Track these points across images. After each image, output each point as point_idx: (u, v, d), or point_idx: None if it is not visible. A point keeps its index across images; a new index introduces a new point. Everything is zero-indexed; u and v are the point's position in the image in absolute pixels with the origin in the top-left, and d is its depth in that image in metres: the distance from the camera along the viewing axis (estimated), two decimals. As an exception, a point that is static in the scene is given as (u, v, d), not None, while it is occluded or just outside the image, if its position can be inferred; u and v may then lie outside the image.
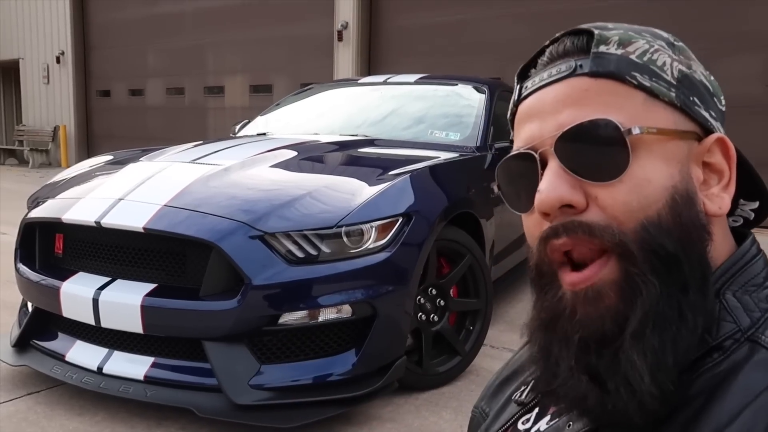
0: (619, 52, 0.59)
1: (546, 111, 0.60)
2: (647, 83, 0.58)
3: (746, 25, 6.51)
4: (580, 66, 0.59)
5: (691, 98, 0.60)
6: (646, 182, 0.55)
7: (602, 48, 0.59)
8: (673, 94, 0.59)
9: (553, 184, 0.56)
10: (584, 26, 0.62)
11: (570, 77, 0.59)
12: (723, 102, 0.64)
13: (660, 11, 6.84)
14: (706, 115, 0.61)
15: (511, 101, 0.68)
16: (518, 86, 0.66)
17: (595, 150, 0.56)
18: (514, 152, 0.63)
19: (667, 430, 0.53)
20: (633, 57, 0.59)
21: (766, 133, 6.24)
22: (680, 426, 0.52)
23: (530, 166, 0.60)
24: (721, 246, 0.60)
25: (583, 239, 0.56)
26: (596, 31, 0.61)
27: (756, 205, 0.68)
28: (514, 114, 0.66)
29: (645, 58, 0.59)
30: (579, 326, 0.56)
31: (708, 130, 0.61)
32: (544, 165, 0.59)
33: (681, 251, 0.54)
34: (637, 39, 0.60)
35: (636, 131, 0.55)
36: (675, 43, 0.62)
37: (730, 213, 0.66)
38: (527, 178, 0.60)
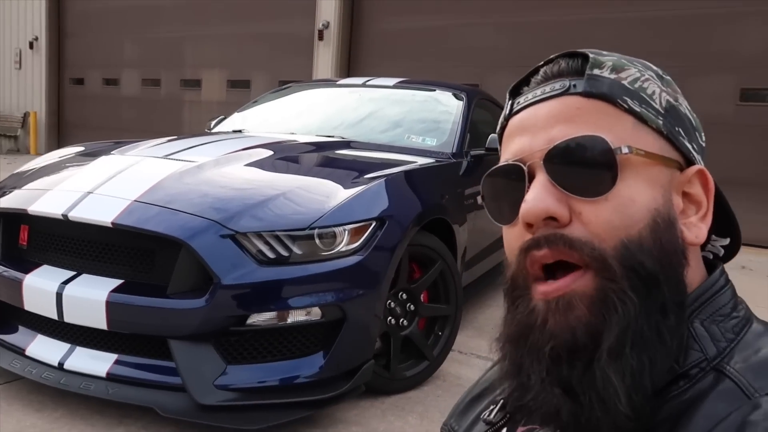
0: (612, 76, 0.61)
1: (538, 125, 0.61)
2: (637, 108, 0.60)
3: (719, 44, 6.65)
4: (574, 86, 0.61)
5: (677, 128, 0.62)
6: (631, 202, 0.56)
7: (596, 71, 0.61)
8: (661, 122, 0.60)
9: (540, 195, 0.57)
10: (579, 50, 0.64)
11: (564, 95, 0.61)
12: (704, 138, 0.66)
13: (638, 28, 6.95)
14: (690, 146, 0.63)
15: (502, 116, 0.68)
16: (510, 102, 0.67)
17: (583, 166, 0.57)
18: (501, 164, 0.64)
19: None
20: (625, 83, 0.61)
21: (734, 151, 6.37)
22: None
23: (517, 178, 0.60)
24: (693, 274, 0.61)
25: (563, 251, 0.56)
26: (591, 55, 0.62)
27: (727, 242, 0.69)
28: (503, 128, 0.67)
29: (636, 85, 0.61)
30: (549, 336, 0.56)
31: (690, 162, 0.62)
32: (531, 178, 0.59)
33: (660, 272, 0.55)
34: (629, 67, 0.62)
35: (625, 150, 0.57)
36: (663, 76, 0.65)
37: (702, 247, 0.66)
38: (513, 190, 0.61)
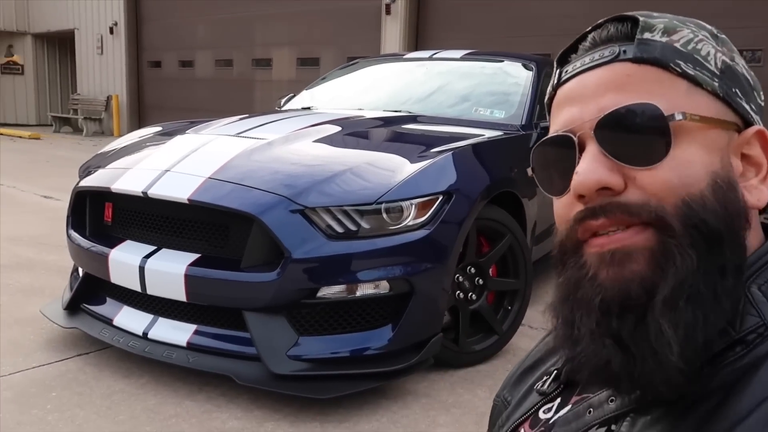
0: (664, 39, 0.59)
1: (587, 95, 0.59)
2: (691, 72, 0.58)
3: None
4: (624, 52, 0.59)
5: (734, 90, 0.59)
6: (688, 163, 0.55)
7: (647, 35, 0.59)
8: (716, 84, 0.58)
9: (591, 166, 0.56)
10: (629, 14, 0.61)
11: (613, 62, 0.59)
12: (762, 97, 0.63)
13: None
14: (747, 107, 0.60)
15: (550, 86, 0.67)
16: (557, 71, 0.65)
17: (635, 135, 0.56)
18: (551, 135, 0.63)
19: (686, 423, 0.52)
20: (678, 45, 0.59)
21: None
22: (699, 418, 0.52)
23: (568, 149, 0.59)
24: (752, 238, 0.59)
25: (622, 218, 0.55)
26: (641, 18, 0.60)
27: None
28: (552, 98, 0.66)
29: (689, 47, 0.59)
30: (600, 288, 0.55)
31: (748, 123, 0.60)
32: (582, 149, 0.58)
33: (725, 231, 0.54)
34: (681, 28, 0.60)
35: (678, 117, 0.55)
36: (718, 35, 0.62)
37: (763, 210, 0.64)
38: (563, 161, 0.60)
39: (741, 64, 0.62)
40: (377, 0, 9.68)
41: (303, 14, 10.95)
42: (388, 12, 9.52)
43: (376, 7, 9.70)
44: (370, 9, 9.81)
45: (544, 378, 0.72)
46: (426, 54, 4.46)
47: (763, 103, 0.63)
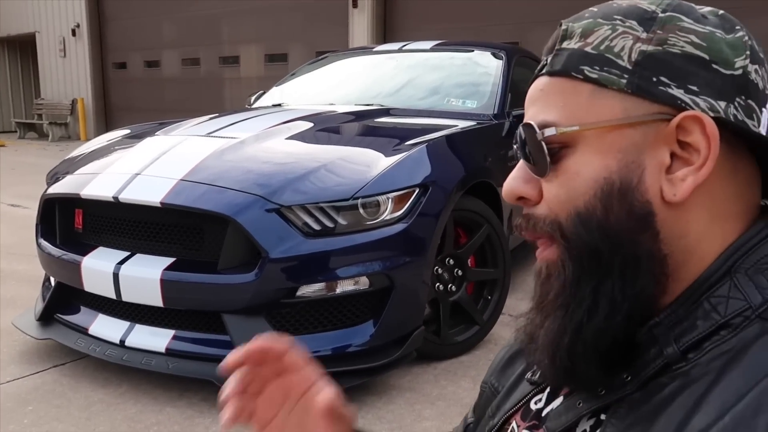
0: (577, 45, 0.58)
1: (526, 107, 0.64)
2: (594, 75, 0.57)
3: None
4: (545, 65, 0.62)
5: (655, 79, 0.55)
6: (575, 175, 0.57)
7: (564, 44, 0.60)
8: (624, 81, 0.56)
9: (512, 176, 0.62)
10: (566, 19, 0.63)
11: (538, 77, 0.62)
12: (738, 64, 0.57)
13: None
14: (678, 92, 0.55)
15: None
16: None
17: (531, 148, 0.60)
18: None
19: (675, 409, 0.52)
20: (588, 48, 0.58)
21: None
22: (688, 405, 0.51)
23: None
24: (707, 230, 0.57)
25: (533, 230, 0.61)
26: (564, 26, 0.61)
27: None
28: None
29: (602, 47, 0.57)
30: (534, 295, 0.62)
31: (683, 108, 0.55)
32: None
33: (603, 242, 0.56)
34: (600, 26, 0.58)
35: (548, 132, 0.58)
36: (658, 15, 0.57)
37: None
38: None
39: (681, 43, 0.56)
40: (344, -7, 9.62)
41: (270, 10, 10.85)
42: (355, 5, 9.47)
43: (343, 1, 9.65)
44: (337, 3, 9.76)
45: (535, 367, 0.71)
46: (396, 46, 4.44)
47: (737, 72, 0.57)
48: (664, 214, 0.56)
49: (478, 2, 8.56)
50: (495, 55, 3.97)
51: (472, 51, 4.18)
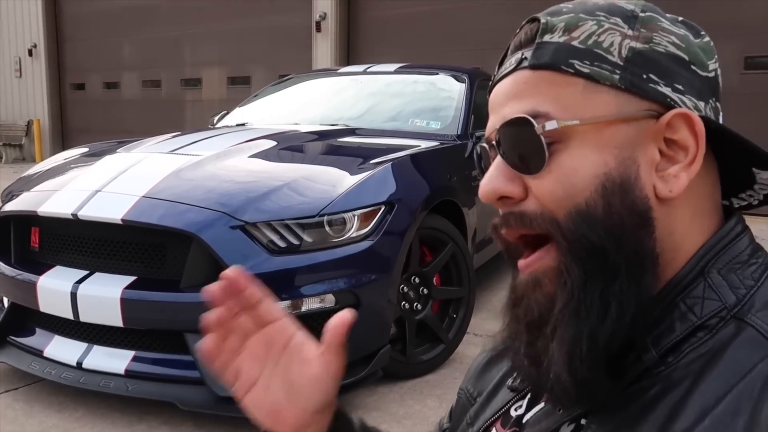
0: (562, 39, 0.57)
1: (497, 104, 0.61)
2: (586, 69, 0.56)
3: (721, 13, 6.58)
4: (525, 58, 0.59)
5: (645, 76, 0.56)
6: (573, 171, 0.55)
7: (546, 37, 0.58)
8: (617, 77, 0.56)
9: (491, 176, 0.58)
10: (540, 13, 0.61)
11: (516, 70, 0.59)
12: (710, 67, 0.59)
13: None
14: (667, 90, 0.57)
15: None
16: (493, 77, 0.66)
17: (520, 145, 0.57)
18: (481, 143, 0.66)
19: (655, 413, 0.52)
20: (575, 43, 0.57)
21: (740, 121, 6.27)
22: (668, 409, 0.51)
23: (486, 158, 0.62)
24: (689, 227, 0.58)
25: (521, 228, 0.57)
26: (542, 20, 0.59)
27: None
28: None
29: (590, 42, 0.57)
30: (527, 311, 0.58)
31: (670, 106, 0.57)
32: (495, 157, 0.61)
33: (608, 240, 0.54)
34: (585, 21, 0.58)
35: (549, 126, 0.55)
36: (639, 14, 0.59)
37: (748, 187, 0.62)
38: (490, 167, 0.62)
39: (665, 42, 0.58)
40: (307, 18, 9.68)
41: (232, 33, 10.83)
42: (318, 29, 9.53)
43: (307, 25, 9.71)
44: (301, 27, 9.80)
45: (515, 373, 0.70)
46: (360, 68, 4.48)
47: (712, 74, 0.59)
48: (657, 210, 0.56)
49: (438, 28, 8.71)
50: (458, 78, 4.04)
51: (437, 74, 4.24)
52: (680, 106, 0.57)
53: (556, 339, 0.54)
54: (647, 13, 0.59)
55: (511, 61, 0.60)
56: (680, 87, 0.57)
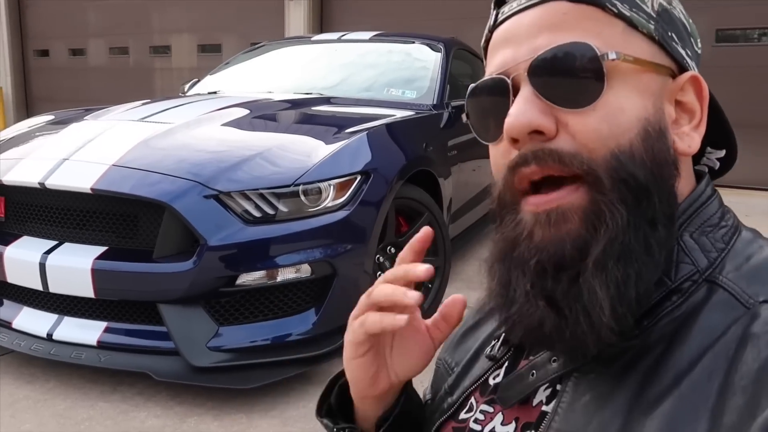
0: None
1: (522, 35, 0.57)
2: (627, 12, 0.56)
3: (694, -15, 6.61)
4: None
5: (670, 33, 0.58)
6: (620, 110, 0.54)
7: None
8: (652, 27, 0.57)
9: (523, 108, 0.54)
10: None
11: (549, 1, 0.57)
12: (699, 44, 0.63)
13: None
14: (683, 52, 0.59)
15: (486, 28, 0.64)
16: (494, 12, 0.63)
17: (569, 75, 0.54)
18: (486, 78, 0.60)
19: (630, 378, 0.52)
20: None
21: (713, 93, 6.38)
22: (642, 374, 0.51)
23: (502, 92, 0.58)
24: (682, 186, 0.59)
25: (552, 166, 0.54)
26: None
27: (722, 154, 0.67)
28: (488, 41, 0.63)
29: None
30: (536, 250, 0.54)
31: (683, 68, 0.59)
32: (516, 91, 0.56)
33: (651, 183, 0.53)
34: None
35: (612, 56, 0.53)
36: None
37: (696, 160, 0.65)
38: (498, 105, 0.58)
39: (678, 9, 0.61)
40: (279, -16, 9.48)
41: (202, -1, 10.57)
42: (291, -3, 9.34)
43: (279, -8, 9.50)
44: (273, -6, 9.60)
45: (492, 342, 0.70)
46: (334, 36, 4.41)
47: (699, 51, 0.63)
48: (678, 163, 0.57)
49: (415, -3, 8.60)
50: (434, 47, 4.00)
51: (412, 42, 4.18)
52: (692, 71, 0.59)
53: (599, 281, 0.51)
54: None
55: None
56: (690, 53, 0.60)
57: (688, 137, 0.58)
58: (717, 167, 0.68)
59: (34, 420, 2.15)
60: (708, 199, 0.59)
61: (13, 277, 2.39)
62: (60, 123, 3.07)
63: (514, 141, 0.56)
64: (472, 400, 0.68)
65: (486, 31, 0.64)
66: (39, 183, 2.33)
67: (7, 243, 2.42)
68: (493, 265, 0.60)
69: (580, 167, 0.53)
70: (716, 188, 0.62)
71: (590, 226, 0.52)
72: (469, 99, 0.63)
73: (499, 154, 0.59)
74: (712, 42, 6.63)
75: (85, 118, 3.01)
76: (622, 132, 0.53)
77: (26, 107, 13.74)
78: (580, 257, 0.52)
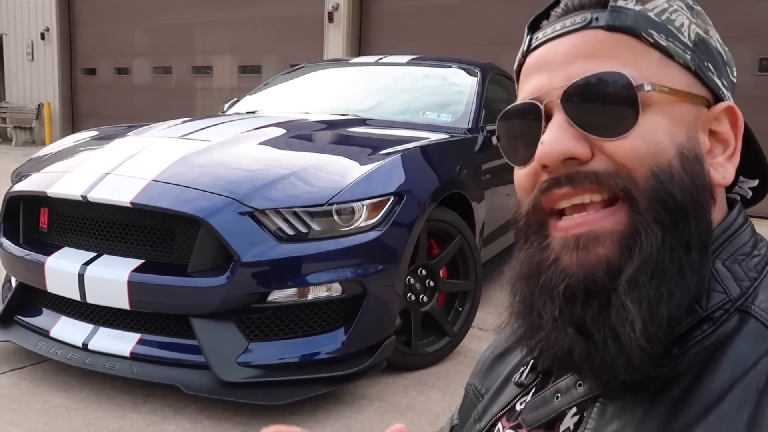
0: (638, 8, 0.57)
1: (556, 62, 0.58)
2: (663, 42, 0.56)
3: (735, 14, 6.52)
4: (596, 19, 0.57)
5: (706, 63, 0.58)
6: (655, 132, 0.54)
7: (620, 2, 0.57)
8: (689, 57, 0.57)
9: (557, 135, 0.54)
10: None
11: (585, 29, 0.57)
12: (735, 73, 0.62)
13: None
14: (719, 82, 0.59)
15: (519, 53, 0.65)
16: (528, 37, 0.63)
17: (604, 104, 0.54)
18: (518, 102, 0.61)
19: (658, 407, 0.51)
20: (651, 14, 0.57)
21: (754, 123, 6.20)
22: (672, 402, 0.50)
23: (534, 117, 0.58)
24: (716, 215, 0.58)
25: (589, 188, 0.54)
26: None
27: (755, 183, 0.66)
28: (521, 65, 0.64)
29: (663, 17, 0.57)
30: (564, 276, 0.54)
31: (718, 98, 0.59)
32: (548, 117, 0.57)
33: (690, 205, 0.53)
34: None
35: (648, 88, 0.54)
36: (694, 6, 0.60)
37: (728, 188, 0.63)
38: (529, 130, 0.58)
39: (715, 38, 0.60)
40: (320, 8, 9.65)
41: (244, 21, 10.82)
42: (330, 20, 9.50)
43: (319, 15, 9.68)
44: (313, 17, 9.78)
45: (522, 369, 0.69)
46: (372, 59, 4.46)
47: (735, 80, 0.62)
48: (713, 191, 0.57)
49: (453, 22, 8.67)
50: (470, 71, 4.01)
51: (449, 67, 4.21)
52: (728, 101, 0.59)
53: (631, 299, 0.50)
54: (698, 8, 0.61)
55: (574, 20, 0.58)
56: (726, 83, 0.60)
57: (723, 168, 0.58)
58: (749, 196, 0.67)
59: (66, 428, 2.19)
60: (740, 227, 0.59)
61: (53, 287, 2.46)
62: (104, 138, 3.16)
63: (545, 166, 0.56)
64: (499, 425, 0.67)
65: (519, 55, 0.65)
66: (81, 196, 2.40)
67: (48, 253, 2.49)
68: (516, 283, 0.60)
69: (617, 186, 0.53)
70: (748, 217, 0.61)
71: (625, 249, 0.52)
72: (501, 122, 0.63)
73: (526, 177, 0.60)
74: (755, 71, 6.52)
75: (127, 134, 3.09)
76: (659, 152, 0.53)
77: (72, 122, 14.19)
78: (612, 281, 0.52)
